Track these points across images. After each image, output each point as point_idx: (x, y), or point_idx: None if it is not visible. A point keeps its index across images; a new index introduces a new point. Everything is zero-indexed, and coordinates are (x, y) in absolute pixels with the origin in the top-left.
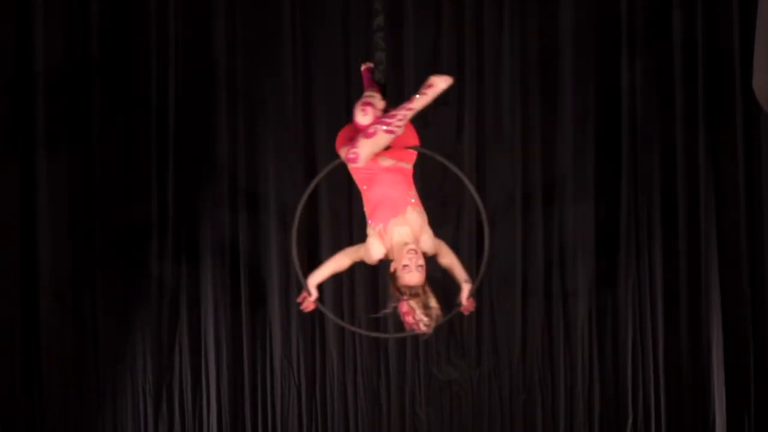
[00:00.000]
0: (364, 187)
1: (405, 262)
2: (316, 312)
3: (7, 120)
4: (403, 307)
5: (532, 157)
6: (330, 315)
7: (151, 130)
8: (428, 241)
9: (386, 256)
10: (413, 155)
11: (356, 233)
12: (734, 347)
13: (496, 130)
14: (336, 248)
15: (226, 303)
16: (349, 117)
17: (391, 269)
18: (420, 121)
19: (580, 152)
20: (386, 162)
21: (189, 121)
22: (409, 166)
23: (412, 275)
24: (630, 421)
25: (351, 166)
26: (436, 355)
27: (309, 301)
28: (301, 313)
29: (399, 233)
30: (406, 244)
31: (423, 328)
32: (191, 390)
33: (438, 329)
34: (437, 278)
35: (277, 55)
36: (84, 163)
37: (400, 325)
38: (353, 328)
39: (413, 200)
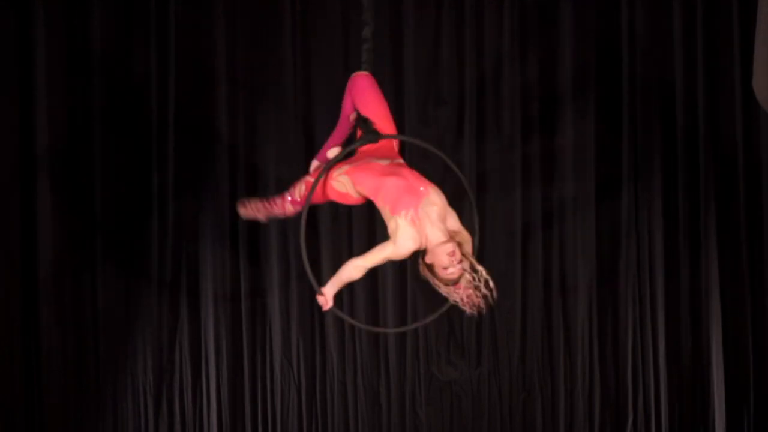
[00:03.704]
0: (375, 195)
1: (445, 264)
2: (316, 312)
3: (7, 119)
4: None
5: (532, 157)
6: (349, 320)
7: (152, 130)
8: (454, 221)
9: (419, 246)
10: (395, 152)
11: (355, 234)
12: (734, 347)
13: (496, 130)
14: (336, 248)
15: (226, 302)
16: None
17: (428, 261)
18: (420, 120)
19: (581, 152)
20: (383, 162)
21: (189, 121)
22: (401, 161)
23: (453, 273)
24: (630, 421)
25: (356, 188)
26: (436, 355)
27: (325, 308)
28: (301, 313)
29: (429, 215)
30: (443, 242)
31: (474, 301)
32: (191, 390)
33: (438, 329)
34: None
35: (277, 53)
36: (84, 160)
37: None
38: (375, 329)
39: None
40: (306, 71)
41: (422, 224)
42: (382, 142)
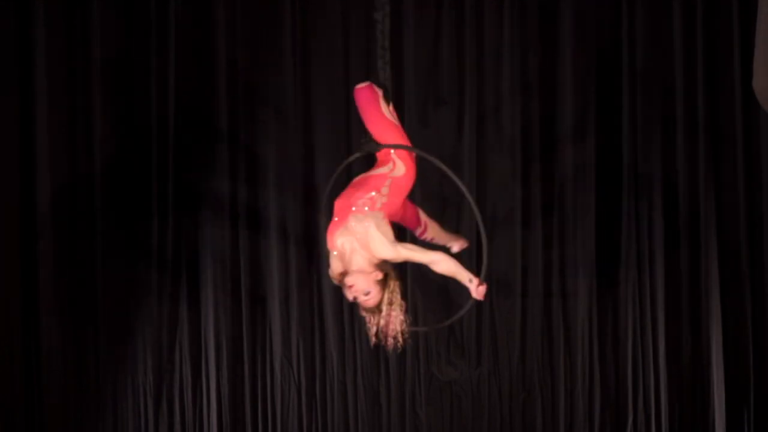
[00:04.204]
0: None
1: (349, 294)
2: (316, 312)
3: (7, 120)
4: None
5: (532, 158)
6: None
7: (152, 131)
8: (381, 248)
9: (344, 269)
10: (388, 159)
11: None
12: (734, 347)
13: (496, 130)
14: None
15: (226, 303)
16: (348, 118)
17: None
18: (420, 120)
19: (581, 153)
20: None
21: (189, 122)
22: (381, 171)
23: (364, 301)
24: (630, 421)
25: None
26: (436, 355)
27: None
28: (301, 313)
29: (343, 245)
30: (353, 271)
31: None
32: (191, 390)
33: (438, 329)
34: (437, 281)
35: (277, 53)
36: (84, 161)
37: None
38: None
39: (354, 208)
40: (306, 71)
41: (342, 249)
42: (382, 153)
